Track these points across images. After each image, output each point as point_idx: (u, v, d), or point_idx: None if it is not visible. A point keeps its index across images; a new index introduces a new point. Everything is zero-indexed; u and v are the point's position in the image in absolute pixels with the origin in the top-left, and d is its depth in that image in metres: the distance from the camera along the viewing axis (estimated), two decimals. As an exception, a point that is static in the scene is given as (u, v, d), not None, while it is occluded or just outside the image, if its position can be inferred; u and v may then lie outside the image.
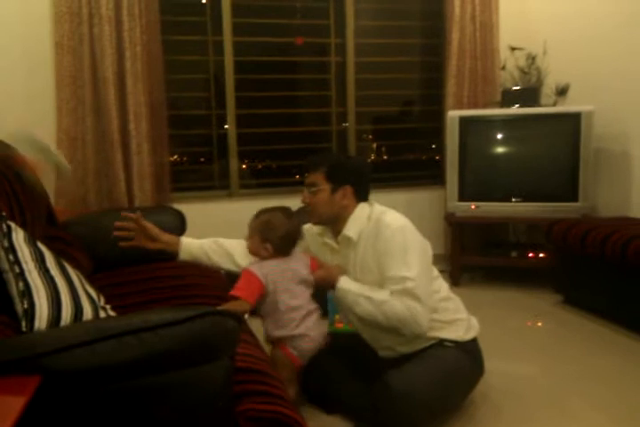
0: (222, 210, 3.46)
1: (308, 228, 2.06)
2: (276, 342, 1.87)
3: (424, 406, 1.73)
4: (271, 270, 1.84)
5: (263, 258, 1.87)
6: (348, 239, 1.91)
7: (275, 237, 1.84)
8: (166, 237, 2.01)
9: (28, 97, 3.01)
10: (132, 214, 1.93)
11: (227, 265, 2.02)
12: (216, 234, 2.82)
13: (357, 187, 1.93)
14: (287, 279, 1.85)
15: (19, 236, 1.49)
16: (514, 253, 3.48)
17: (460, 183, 3.40)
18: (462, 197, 3.40)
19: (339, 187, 1.90)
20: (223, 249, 2.03)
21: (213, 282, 2.26)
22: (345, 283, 1.86)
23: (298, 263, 1.90)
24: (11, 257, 1.42)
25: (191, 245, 2.02)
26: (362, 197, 1.95)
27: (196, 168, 3.67)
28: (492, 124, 3.43)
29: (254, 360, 1.47)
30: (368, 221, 1.90)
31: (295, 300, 1.85)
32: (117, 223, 1.94)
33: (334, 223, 1.95)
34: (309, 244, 2.08)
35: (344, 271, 1.92)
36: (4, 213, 1.58)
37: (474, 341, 1.97)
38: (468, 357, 1.90)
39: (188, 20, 3.44)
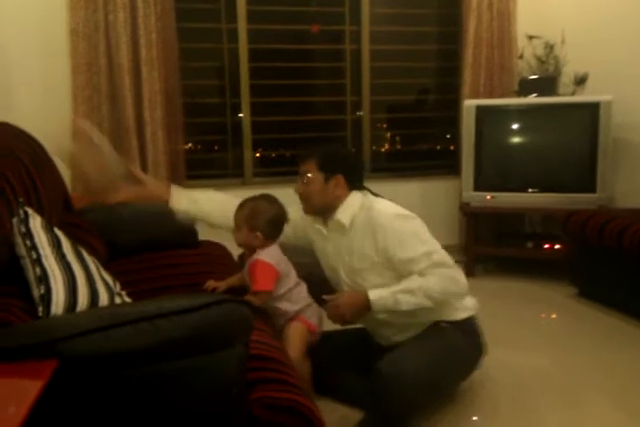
0: (236, 198, 3.45)
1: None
2: (292, 318, 1.91)
3: (418, 387, 1.71)
4: (278, 255, 1.90)
5: (257, 247, 1.88)
6: (340, 225, 1.92)
7: (262, 224, 1.87)
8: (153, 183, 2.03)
9: (44, 84, 3.02)
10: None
11: (218, 220, 2.07)
12: (229, 221, 2.84)
13: (349, 176, 1.93)
14: (285, 258, 1.92)
15: (36, 222, 1.50)
16: (529, 244, 3.45)
17: (475, 173, 3.37)
18: (478, 187, 3.38)
19: (331, 176, 1.90)
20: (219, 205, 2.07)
21: (229, 269, 2.26)
22: (374, 294, 1.84)
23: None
24: (28, 243, 1.43)
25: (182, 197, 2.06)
26: (354, 186, 1.96)
27: (211, 156, 3.67)
28: (509, 113, 3.39)
29: (268, 348, 1.47)
30: (360, 210, 1.91)
31: (296, 275, 1.94)
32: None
33: (327, 213, 1.96)
34: (309, 231, 2.08)
35: (357, 295, 1.88)
36: (21, 199, 1.59)
37: (470, 320, 1.95)
38: (465, 336, 1.90)
39: (203, 8, 3.43)
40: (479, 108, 3.33)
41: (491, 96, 3.60)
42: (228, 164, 3.62)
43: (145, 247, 2.47)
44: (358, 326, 2.05)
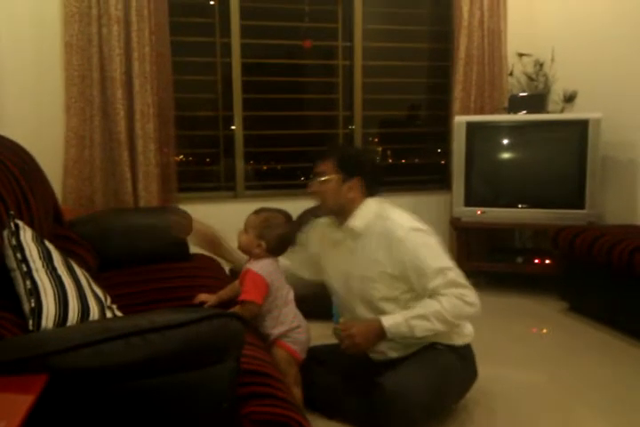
0: (228, 211, 3.44)
1: (316, 221, 2.07)
2: (272, 342, 1.87)
3: (419, 407, 1.72)
4: (271, 269, 1.86)
5: (254, 255, 1.88)
6: (352, 231, 1.90)
7: (271, 236, 1.85)
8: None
9: (37, 96, 3.02)
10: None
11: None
12: (222, 234, 2.83)
13: (367, 180, 1.90)
14: (280, 274, 1.90)
15: (27, 234, 1.50)
16: (519, 259, 3.47)
17: (466, 188, 3.39)
18: (468, 202, 3.40)
19: (349, 178, 1.87)
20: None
21: (220, 283, 2.25)
22: (388, 322, 1.82)
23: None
24: (18, 255, 1.42)
25: None
26: (371, 191, 1.92)
27: (202, 169, 3.67)
28: (499, 129, 3.43)
29: (259, 362, 1.46)
30: (376, 218, 1.87)
31: (289, 294, 1.91)
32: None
33: (340, 215, 1.93)
34: (311, 239, 2.08)
35: (370, 323, 1.86)
36: (11, 212, 1.58)
37: (467, 346, 1.95)
38: (461, 360, 1.90)
39: (197, 22, 3.45)
40: (469, 125, 3.37)
41: (481, 112, 3.64)
42: (220, 177, 3.63)
43: (136, 260, 2.46)
44: None
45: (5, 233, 1.47)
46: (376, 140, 3.98)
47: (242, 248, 1.92)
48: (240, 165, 3.56)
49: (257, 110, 3.59)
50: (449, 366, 1.86)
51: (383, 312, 1.88)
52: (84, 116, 3.02)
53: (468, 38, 3.56)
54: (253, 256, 1.88)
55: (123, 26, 3.01)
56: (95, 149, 3.05)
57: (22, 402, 0.92)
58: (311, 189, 1.93)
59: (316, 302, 2.34)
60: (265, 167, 3.81)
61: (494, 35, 3.62)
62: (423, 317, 1.79)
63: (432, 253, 1.83)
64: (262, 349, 1.68)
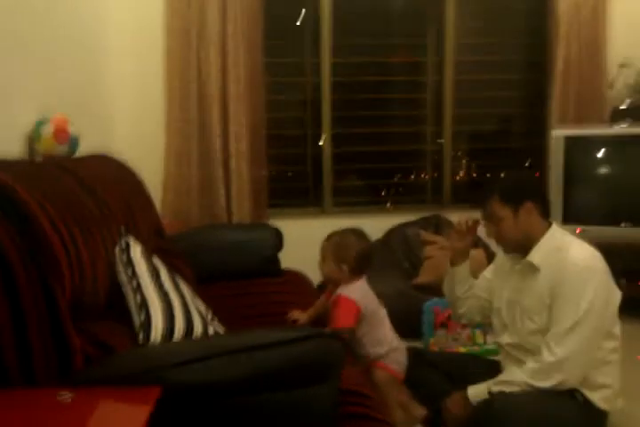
0: (315, 227, 3.45)
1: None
2: (371, 363, 1.85)
3: None
4: (363, 292, 1.85)
5: (340, 281, 1.87)
6: (532, 266, 1.79)
7: (349, 257, 1.84)
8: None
9: (140, 116, 3.19)
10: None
11: None
12: (309, 251, 2.85)
13: (536, 200, 1.80)
14: (372, 295, 1.88)
15: (136, 250, 1.57)
16: (622, 281, 3.25)
17: (564, 205, 3.24)
18: (567, 219, 3.24)
19: (519, 206, 1.78)
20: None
21: (310, 299, 2.26)
22: (471, 389, 1.78)
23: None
24: (129, 271, 1.50)
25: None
26: (544, 210, 1.83)
27: (291, 185, 3.73)
28: (600, 143, 3.25)
29: (357, 383, 1.46)
30: (555, 252, 1.76)
31: (382, 313, 1.90)
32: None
33: (525, 247, 1.81)
34: (499, 267, 2.01)
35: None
36: (122, 228, 1.67)
37: (604, 413, 1.77)
38: (590, 423, 1.73)
39: (288, 43, 3.54)
40: (568, 139, 3.22)
41: (580, 126, 3.48)
42: (308, 193, 3.68)
43: (228, 275, 2.53)
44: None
45: (117, 249, 1.56)
46: (459, 153, 3.90)
47: (327, 278, 1.93)
48: (328, 181, 3.59)
49: (344, 127, 3.62)
50: (567, 418, 1.71)
51: (527, 344, 1.79)
52: (183, 135, 3.16)
53: (565, 50, 3.43)
54: (342, 282, 1.87)
55: (219, 48, 3.13)
56: (192, 166, 3.18)
57: (140, 414, 0.96)
58: (492, 235, 1.85)
59: (404, 319, 2.31)
60: (352, 184, 3.82)
61: (594, 44, 3.46)
62: (506, 382, 1.73)
63: (578, 302, 1.68)
64: (357, 369, 1.67)
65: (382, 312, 1.91)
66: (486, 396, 1.74)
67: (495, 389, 1.73)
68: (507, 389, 1.71)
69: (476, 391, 1.77)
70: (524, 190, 1.83)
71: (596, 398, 1.74)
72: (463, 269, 1.98)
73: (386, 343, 1.85)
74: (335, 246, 1.88)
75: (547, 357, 1.68)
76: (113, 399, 1.02)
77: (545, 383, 1.68)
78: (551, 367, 1.68)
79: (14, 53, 1.93)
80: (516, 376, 1.72)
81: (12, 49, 1.92)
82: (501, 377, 1.77)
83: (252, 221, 3.25)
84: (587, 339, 1.70)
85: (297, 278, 2.63)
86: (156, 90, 3.18)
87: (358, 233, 1.91)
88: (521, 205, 1.78)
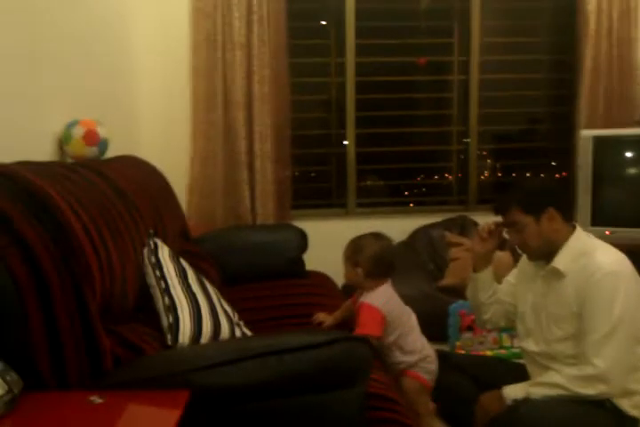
0: (339, 228, 3.47)
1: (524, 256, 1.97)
2: (401, 372, 1.83)
3: None
4: (386, 298, 1.82)
5: (359, 284, 1.85)
6: (557, 272, 1.76)
7: (363, 260, 1.81)
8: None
9: (166, 119, 3.22)
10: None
11: None
12: (333, 251, 2.84)
13: (559, 206, 1.77)
14: (397, 301, 1.84)
15: (164, 252, 1.59)
16: (653, 284, 3.18)
17: (593, 207, 3.18)
18: (596, 221, 3.17)
19: (541, 214, 1.75)
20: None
21: (335, 301, 2.26)
22: (507, 388, 1.74)
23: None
24: (157, 273, 1.51)
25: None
26: (567, 215, 1.80)
27: (314, 186, 3.73)
28: (631, 144, 3.18)
29: (385, 387, 1.45)
30: (580, 256, 1.72)
31: (411, 320, 1.85)
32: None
33: (550, 253, 1.78)
34: (522, 271, 1.98)
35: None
36: (151, 231, 1.69)
37: (635, 420, 1.71)
38: None
39: (313, 44, 3.54)
40: (597, 139, 3.16)
41: (609, 126, 3.41)
42: (331, 194, 3.67)
43: (253, 276, 2.53)
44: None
45: (145, 251, 1.57)
46: (484, 153, 3.86)
47: (349, 283, 1.91)
48: (352, 182, 3.58)
49: (369, 128, 3.60)
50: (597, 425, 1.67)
51: (553, 352, 1.76)
52: (208, 137, 3.18)
53: (594, 49, 3.36)
54: (365, 288, 1.85)
55: (245, 51, 3.14)
56: (217, 168, 3.20)
57: (170, 416, 0.96)
58: (515, 243, 1.82)
59: (430, 322, 2.29)
60: (377, 184, 3.81)
61: (624, 43, 3.39)
62: (545, 384, 1.70)
63: (616, 311, 1.64)
64: (385, 373, 1.66)
65: (412, 320, 1.87)
66: (522, 396, 1.70)
67: (533, 390, 1.69)
68: (544, 392, 1.67)
69: (513, 391, 1.73)
70: (545, 197, 1.79)
71: (626, 405, 1.70)
72: (486, 274, 1.94)
73: (416, 352, 1.81)
74: (350, 250, 1.87)
75: (587, 369, 1.64)
76: (142, 403, 1.03)
77: (587, 391, 1.64)
78: (593, 378, 1.64)
79: (46, 59, 1.96)
80: (557, 380, 1.68)
81: (44, 54, 1.95)
82: (540, 379, 1.73)
83: (275, 222, 3.25)
84: (624, 346, 1.66)
85: (322, 280, 2.63)
86: (182, 92, 3.20)
87: (376, 236, 1.87)
88: (543, 212, 1.74)
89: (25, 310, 1.06)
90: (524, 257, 1.96)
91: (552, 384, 1.68)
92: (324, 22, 3.55)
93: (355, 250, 1.85)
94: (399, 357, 1.81)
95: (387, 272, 1.86)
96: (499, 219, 1.88)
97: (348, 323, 1.93)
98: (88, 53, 2.36)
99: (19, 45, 1.77)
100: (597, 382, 1.63)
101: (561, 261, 1.74)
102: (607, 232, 3.18)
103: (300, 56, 3.44)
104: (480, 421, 1.77)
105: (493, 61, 3.64)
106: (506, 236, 1.86)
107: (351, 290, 2.03)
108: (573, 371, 1.68)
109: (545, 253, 1.79)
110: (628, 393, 1.71)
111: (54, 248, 1.12)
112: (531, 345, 1.84)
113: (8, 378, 0.99)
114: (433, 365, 1.84)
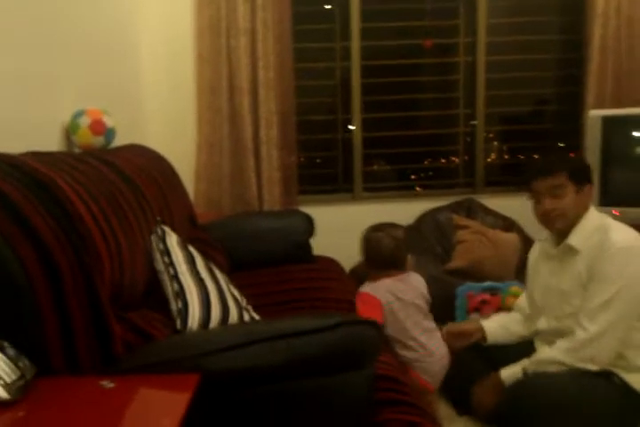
0: (346, 213, 3.49)
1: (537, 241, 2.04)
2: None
3: (555, 412, 1.63)
4: (387, 289, 1.82)
5: (369, 277, 1.86)
6: (571, 249, 1.79)
7: (363, 251, 1.84)
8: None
9: (172, 106, 3.22)
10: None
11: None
12: (340, 237, 2.85)
13: (592, 184, 1.85)
14: (408, 296, 1.84)
15: (172, 239, 1.60)
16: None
17: (601, 187, 3.16)
18: (604, 201, 3.16)
19: (582, 187, 1.80)
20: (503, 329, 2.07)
21: (342, 285, 2.28)
22: (505, 372, 1.78)
23: (416, 280, 1.89)
24: (166, 259, 1.53)
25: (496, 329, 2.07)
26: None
27: (321, 172, 3.73)
28: (638, 124, 3.16)
29: (392, 368, 1.46)
30: (595, 232, 1.76)
31: (418, 316, 1.85)
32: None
33: (568, 228, 1.82)
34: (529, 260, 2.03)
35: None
36: (158, 218, 1.70)
37: None
38: (627, 405, 1.69)
39: (317, 28, 3.51)
40: (605, 119, 3.13)
41: (618, 106, 3.37)
42: (338, 179, 3.67)
43: (260, 262, 2.55)
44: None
45: (153, 238, 1.59)
46: (491, 135, 3.83)
47: (360, 272, 1.93)
48: (358, 167, 3.58)
49: (375, 112, 3.59)
50: (605, 402, 1.67)
51: (563, 327, 1.79)
52: (214, 124, 3.18)
53: (602, 28, 3.32)
54: (368, 278, 1.87)
55: (249, 37, 3.13)
56: (224, 155, 3.20)
57: (180, 400, 0.98)
58: (551, 206, 1.80)
59: (438, 304, 2.30)
60: (383, 169, 3.80)
61: (633, 22, 3.34)
62: (539, 362, 1.74)
63: (611, 291, 1.66)
64: (390, 353, 1.68)
65: (419, 316, 1.86)
66: (520, 376, 1.74)
67: (530, 368, 1.73)
68: (540, 368, 1.70)
69: (510, 373, 1.77)
70: (589, 173, 1.86)
71: (634, 380, 1.72)
72: (495, 335, 2.02)
73: (416, 347, 1.81)
74: (361, 240, 1.88)
75: (579, 333, 1.68)
76: (153, 387, 1.05)
77: (576, 360, 1.68)
78: (583, 344, 1.67)
79: (52, 49, 1.96)
80: (549, 355, 1.72)
81: (51, 45, 1.95)
82: (534, 357, 1.77)
83: (282, 208, 3.26)
84: (621, 316, 1.67)
85: (329, 265, 2.64)
86: (187, 80, 3.20)
87: (375, 227, 1.88)
88: (584, 186, 1.81)
89: (37, 298, 1.08)
90: (531, 255, 1.99)
91: (546, 360, 1.71)
92: (328, 6, 3.52)
93: (362, 241, 1.87)
94: (397, 350, 1.82)
95: (386, 264, 1.86)
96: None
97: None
98: (93, 43, 2.36)
99: (25, 35, 1.78)
100: (586, 348, 1.66)
101: (574, 238, 1.78)
102: (615, 212, 3.16)
103: (305, 41, 3.41)
104: (478, 411, 1.81)
105: (500, 42, 3.59)
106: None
107: (359, 275, 2.05)
108: (564, 343, 1.70)
109: (568, 226, 1.81)
110: (636, 369, 1.73)
111: (64, 237, 1.13)
112: (542, 323, 1.88)
113: (21, 364, 1.01)
114: (437, 365, 1.83)
